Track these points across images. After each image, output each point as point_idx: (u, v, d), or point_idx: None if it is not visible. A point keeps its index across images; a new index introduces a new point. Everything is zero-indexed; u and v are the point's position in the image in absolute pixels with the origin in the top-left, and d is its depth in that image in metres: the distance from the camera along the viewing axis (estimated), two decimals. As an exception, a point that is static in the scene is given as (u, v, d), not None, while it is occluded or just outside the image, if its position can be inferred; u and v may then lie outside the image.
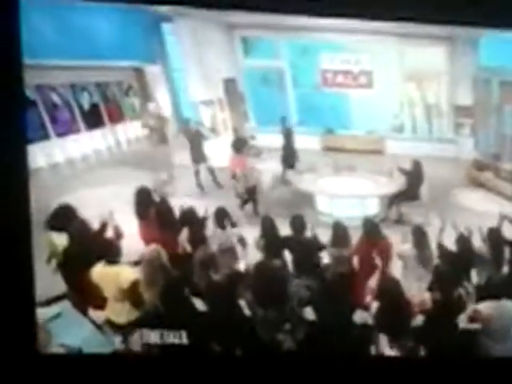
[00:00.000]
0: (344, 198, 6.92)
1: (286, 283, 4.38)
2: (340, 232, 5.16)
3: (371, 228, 5.29)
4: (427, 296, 4.38)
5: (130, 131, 7.98)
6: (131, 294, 3.77)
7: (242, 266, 4.95)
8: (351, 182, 7.24)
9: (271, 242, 5.14)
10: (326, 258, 5.10)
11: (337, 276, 4.54)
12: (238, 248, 5.03)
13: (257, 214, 6.41)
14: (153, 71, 8.62)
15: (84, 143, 6.52)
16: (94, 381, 3.13)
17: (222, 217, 5.22)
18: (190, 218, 5.34)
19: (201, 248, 4.91)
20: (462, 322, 4.03)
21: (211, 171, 7.42)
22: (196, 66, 8.50)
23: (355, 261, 4.91)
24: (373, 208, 6.89)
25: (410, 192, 6.99)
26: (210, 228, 5.22)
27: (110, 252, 3.64)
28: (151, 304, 3.88)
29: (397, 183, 7.36)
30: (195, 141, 7.68)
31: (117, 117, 7.73)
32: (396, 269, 4.98)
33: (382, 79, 9.05)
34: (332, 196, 6.93)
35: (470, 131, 8.79)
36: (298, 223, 5.18)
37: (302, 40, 8.97)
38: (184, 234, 5.13)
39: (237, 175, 6.74)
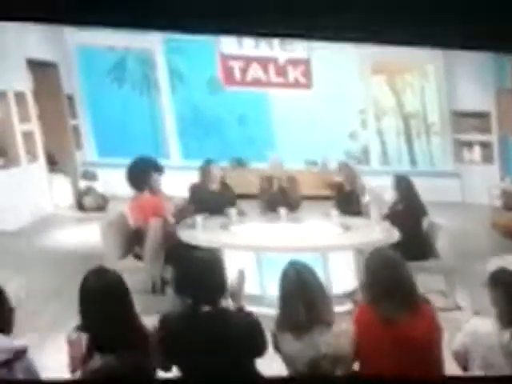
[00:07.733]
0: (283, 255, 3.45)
1: None
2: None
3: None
4: None
5: None
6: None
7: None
8: (289, 228, 4.14)
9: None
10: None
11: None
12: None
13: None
14: None
15: None
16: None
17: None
18: None
19: None
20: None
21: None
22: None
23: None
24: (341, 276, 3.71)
25: (410, 243, 3.77)
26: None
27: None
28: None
29: (382, 227, 3.96)
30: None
31: None
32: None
33: (328, 73, 6.57)
34: (259, 251, 3.69)
35: (481, 154, 6.02)
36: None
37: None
38: None
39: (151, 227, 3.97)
